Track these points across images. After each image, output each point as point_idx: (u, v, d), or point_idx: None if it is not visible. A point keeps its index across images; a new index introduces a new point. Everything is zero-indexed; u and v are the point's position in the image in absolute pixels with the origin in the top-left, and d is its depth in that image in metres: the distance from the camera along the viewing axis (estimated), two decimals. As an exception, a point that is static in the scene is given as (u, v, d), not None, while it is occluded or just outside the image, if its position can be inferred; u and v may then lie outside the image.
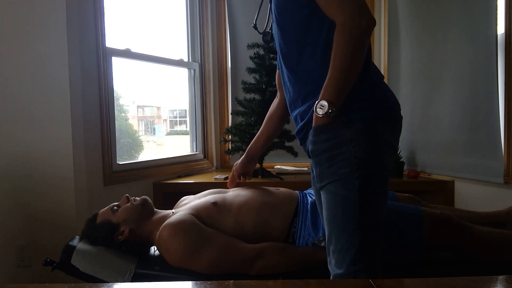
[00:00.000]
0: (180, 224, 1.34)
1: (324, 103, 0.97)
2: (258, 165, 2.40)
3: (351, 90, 1.00)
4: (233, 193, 1.52)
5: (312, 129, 1.02)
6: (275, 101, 1.48)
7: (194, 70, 2.74)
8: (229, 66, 2.82)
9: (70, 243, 1.46)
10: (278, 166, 2.57)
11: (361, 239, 0.98)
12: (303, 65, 1.08)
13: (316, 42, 1.04)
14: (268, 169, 2.40)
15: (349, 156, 0.98)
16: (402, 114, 1.11)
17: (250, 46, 2.34)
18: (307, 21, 1.04)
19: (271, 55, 2.36)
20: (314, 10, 1.02)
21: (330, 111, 0.97)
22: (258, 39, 2.38)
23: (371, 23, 0.99)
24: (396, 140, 1.09)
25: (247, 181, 1.62)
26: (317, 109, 0.99)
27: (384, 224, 1.04)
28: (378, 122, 1.01)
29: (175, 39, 2.76)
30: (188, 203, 1.55)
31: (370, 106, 1.02)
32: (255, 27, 1.41)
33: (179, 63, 2.66)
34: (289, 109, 1.20)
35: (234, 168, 1.59)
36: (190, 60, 2.74)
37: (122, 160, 2.25)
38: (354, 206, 0.98)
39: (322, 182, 1.03)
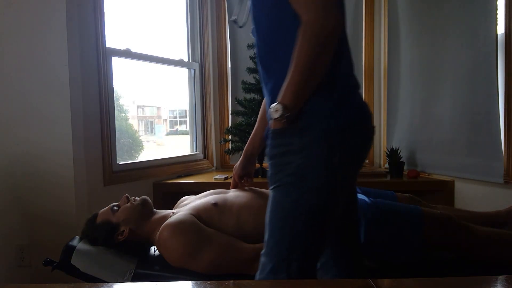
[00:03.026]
0: (180, 224, 1.34)
1: (279, 106, 0.90)
2: (258, 165, 2.40)
3: (312, 94, 0.92)
4: (234, 194, 1.52)
5: (269, 132, 0.96)
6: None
7: (194, 70, 2.74)
8: (229, 66, 2.82)
9: (70, 243, 1.46)
10: (278, 166, 2.56)
11: (287, 252, 0.92)
12: (275, 63, 0.99)
13: (289, 40, 0.93)
14: (268, 169, 2.40)
15: (296, 165, 0.91)
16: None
17: (250, 46, 2.34)
18: (279, 16, 0.95)
19: (271, 55, 2.35)
20: (286, 4, 0.92)
21: (284, 116, 0.90)
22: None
23: (340, 23, 0.90)
24: (360, 153, 1.00)
25: (250, 183, 1.56)
26: (272, 113, 0.91)
27: (325, 242, 0.98)
28: (336, 133, 0.92)
29: (175, 39, 2.76)
30: (189, 203, 1.55)
31: (329, 115, 0.93)
32: (235, 21, 1.31)
33: (179, 63, 2.66)
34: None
35: (234, 172, 1.55)
36: (190, 60, 2.74)
37: (122, 160, 2.25)
38: (288, 216, 0.93)
39: (270, 185, 0.98)
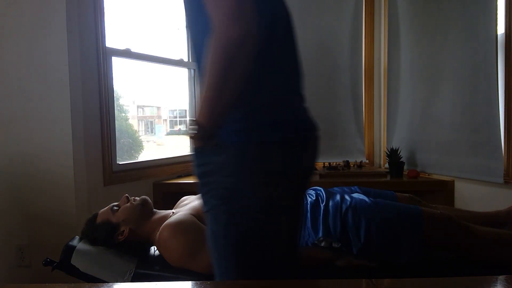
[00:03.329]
0: (180, 224, 1.34)
1: (195, 124, 0.84)
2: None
3: (231, 108, 0.84)
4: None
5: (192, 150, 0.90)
6: None
7: (194, 70, 2.74)
8: (229, 66, 2.81)
9: (70, 243, 1.46)
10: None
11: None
12: (200, 76, 0.90)
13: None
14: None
15: (218, 186, 0.85)
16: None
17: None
18: (202, 21, 0.84)
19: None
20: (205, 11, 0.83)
21: (199, 133, 0.84)
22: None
23: (248, 33, 0.78)
24: (294, 167, 0.90)
25: None
26: (189, 131, 0.85)
27: (276, 265, 0.89)
28: (259, 147, 0.85)
29: (175, 39, 2.76)
30: (188, 203, 1.55)
31: (249, 128, 0.85)
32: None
33: (179, 63, 2.66)
34: None
35: None
36: (190, 60, 2.74)
37: (122, 160, 2.25)
38: (223, 243, 0.86)
39: (203, 208, 0.92)
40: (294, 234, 0.93)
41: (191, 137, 0.85)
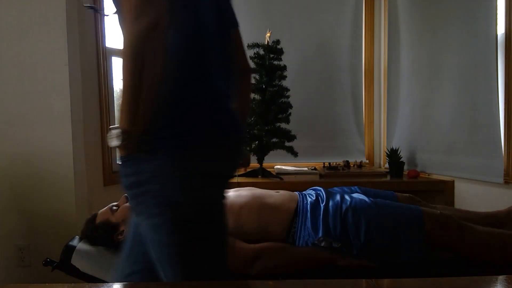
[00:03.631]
0: (180, 224, 1.34)
1: (118, 131, 0.79)
2: (258, 165, 2.40)
3: (156, 112, 0.81)
4: (234, 194, 1.52)
5: (119, 159, 0.85)
6: None
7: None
8: (229, 66, 2.82)
9: (70, 243, 1.46)
10: (278, 166, 2.57)
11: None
12: None
13: None
14: (268, 169, 2.40)
15: (156, 195, 0.82)
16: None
17: (250, 46, 2.34)
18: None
19: (271, 55, 2.36)
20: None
21: (125, 140, 0.79)
22: (258, 39, 2.39)
23: (155, 26, 0.74)
24: (227, 168, 0.91)
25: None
26: (112, 139, 0.80)
27: (218, 266, 0.90)
28: (188, 151, 0.83)
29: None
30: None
31: (178, 133, 0.83)
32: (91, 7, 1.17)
33: (179, 63, 2.65)
34: None
35: None
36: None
37: (122, 160, 2.25)
38: (168, 251, 0.84)
39: (137, 218, 0.89)
40: (226, 229, 0.94)
41: (116, 146, 0.80)
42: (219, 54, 0.94)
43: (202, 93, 0.88)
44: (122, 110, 0.79)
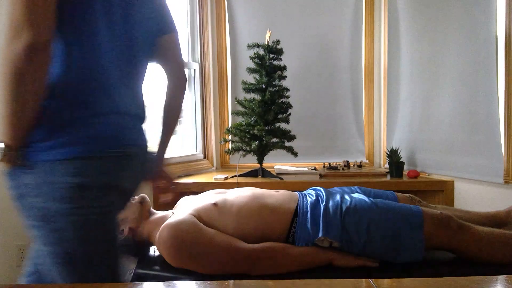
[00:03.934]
0: (180, 224, 1.34)
1: (1, 145, 0.83)
2: (258, 165, 2.41)
3: (34, 126, 0.84)
4: (234, 194, 1.52)
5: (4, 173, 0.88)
6: None
7: (194, 70, 2.74)
8: (229, 66, 2.82)
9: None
10: (278, 166, 2.57)
11: None
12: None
13: None
14: (268, 169, 2.40)
15: (32, 207, 0.86)
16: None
17: (250, 46, 2.34)
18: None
19: (271, 55, 2.36)
20: None
21: (4, 153, 0.83)
22: (258, 39, 2.39)
23: (34, 45, 0.75)
24: (106, 179, 0.90)
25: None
26: None
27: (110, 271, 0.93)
28: (63, 164, 0.84)
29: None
30: (189, 203, 1.55)
31: (55, 145, 0.85)
32: None
33: (179, 63, 2.66)
34: None
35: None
36: (190, 60, 2.74)
37: (122, 160, 2.25)
38: (52, 262, 0.88)
39: (28, 232, 0.91)
40: (115, 238, 0.96)
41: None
42: (115, 71, 0.94)
43: (80, 109, 0.88)
44: (3, 123, 0.82)
